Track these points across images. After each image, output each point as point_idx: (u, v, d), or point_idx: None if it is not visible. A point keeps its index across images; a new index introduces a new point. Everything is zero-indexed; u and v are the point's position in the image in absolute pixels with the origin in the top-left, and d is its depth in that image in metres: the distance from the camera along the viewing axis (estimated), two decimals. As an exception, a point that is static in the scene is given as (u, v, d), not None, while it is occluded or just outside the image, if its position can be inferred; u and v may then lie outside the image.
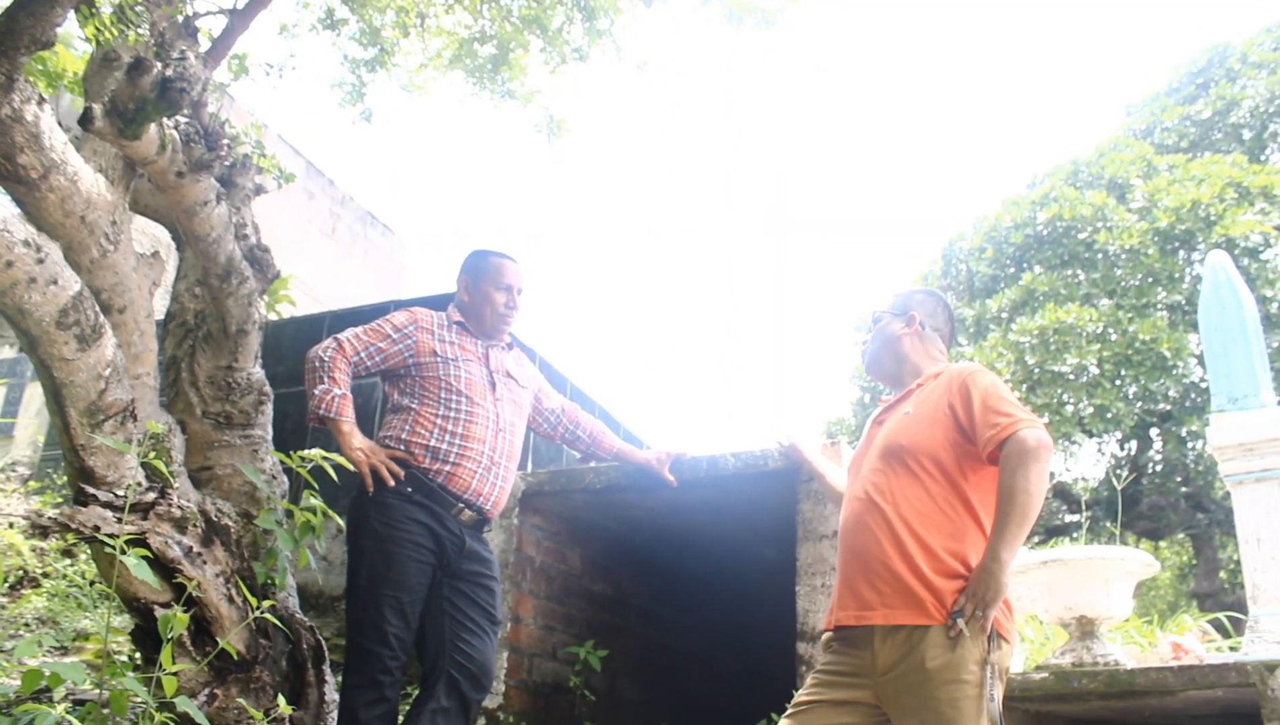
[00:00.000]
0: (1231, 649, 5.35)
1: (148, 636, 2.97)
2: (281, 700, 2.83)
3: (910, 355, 2.92)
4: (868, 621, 2.59)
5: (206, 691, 3.02)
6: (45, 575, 5.19)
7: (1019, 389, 12.92)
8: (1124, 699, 4.38)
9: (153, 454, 3.07)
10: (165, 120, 2.83)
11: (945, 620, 2.48)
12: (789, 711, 2.73)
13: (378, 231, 14.26)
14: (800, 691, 2.77)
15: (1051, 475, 16.05)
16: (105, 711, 2.87)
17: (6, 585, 4.86)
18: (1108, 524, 14.43)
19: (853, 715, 2.63)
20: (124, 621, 4.03)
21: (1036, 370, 12.81)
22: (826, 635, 2.79)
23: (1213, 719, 5.02)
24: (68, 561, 5.36)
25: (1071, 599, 4.49)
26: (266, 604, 2.94)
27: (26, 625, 4.64)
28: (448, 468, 3.28)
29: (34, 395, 8.50)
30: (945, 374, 2.78)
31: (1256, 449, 4.44)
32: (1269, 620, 4.23)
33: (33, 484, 6.95)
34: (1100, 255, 13.42)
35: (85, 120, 2.61)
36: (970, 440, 2.62)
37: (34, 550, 5.29)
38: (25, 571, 5.14)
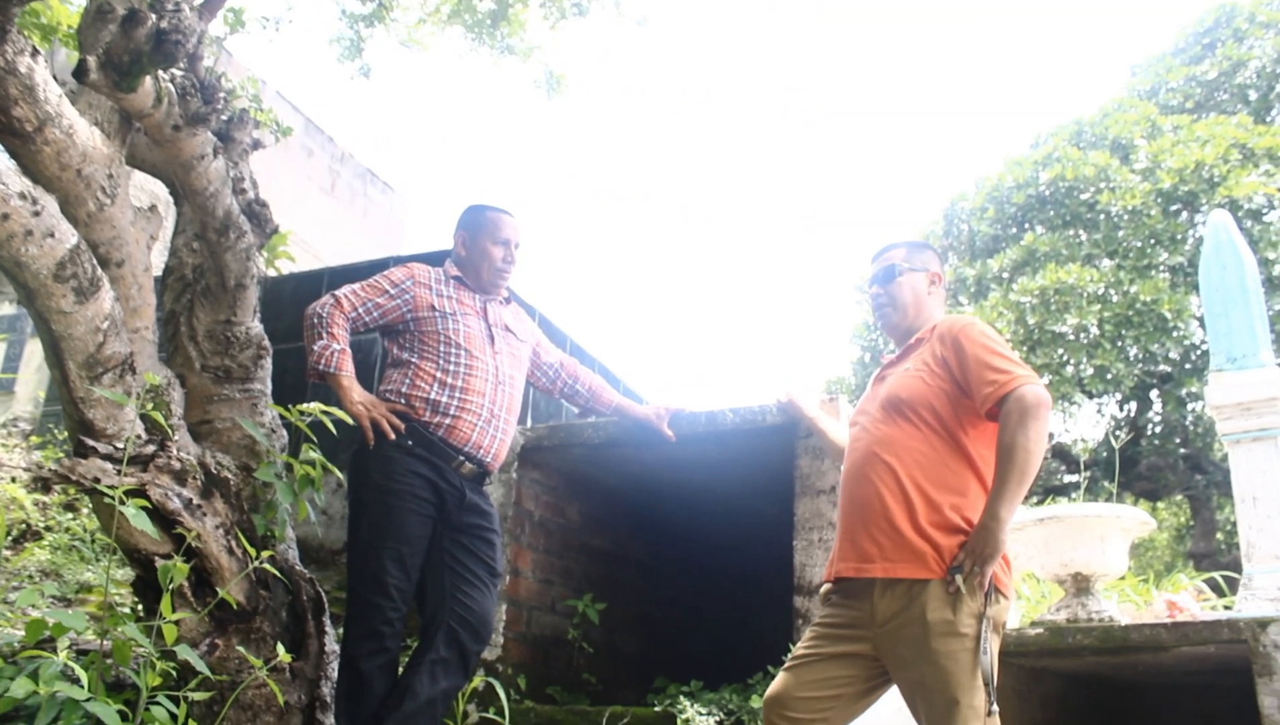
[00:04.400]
0: (1226, 608, 5.39)
1: (149, 587, 3.00)
2: (281, 649, 2.86)
3: (931, 312, 2.91)
4: (867, 574, 2.61)
5: (207, 641, 3.05)
6: (48, 529, 5.22)
7: (1020, 349, 12.92)
8: (1118, 655, 4.42)
9: (151, 407, 3.08)
10: (161, 73, 2.81)
11: (945, 575, 2.50)
12: (787, 664, 2.75)
13: (377, 188, 14.21)
14: (799, 644, 2.79)
15: (1051, 436, 16.12)
16: (108, 661, 2.91)
17: (9, 539, 4.90)
18: (1106, 484, 14.48)
19: (851, 667, 2.66)
20: (126, 573, 4.06)
21: (1037, 330, 12.80)
22: (825, 588, 2.80)
23: (1206, 674, 5.08)
24: (70, 515, 5.39)
25: (1068, 556, 4.52)
26: (266, 555, 2.96)
27: (30, 577, 4.67)
28: (448, 421, 3.29)
29: (34, 351, 8.51)
30: (939, 328, 2.77)
31: (1254, 408, 4.45)
32: (1262, 578, 4.27)
33: (34, 439, 6.97)
34: (1102, 216, 13.38)
35: (80, 73, 2.59)
36: (967, 394, 2.62)
37: (36, 504, 5.32)
38: (28, 525, 5.17)
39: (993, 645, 2.51)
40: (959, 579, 2.47)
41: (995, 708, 2.44)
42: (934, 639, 2.46)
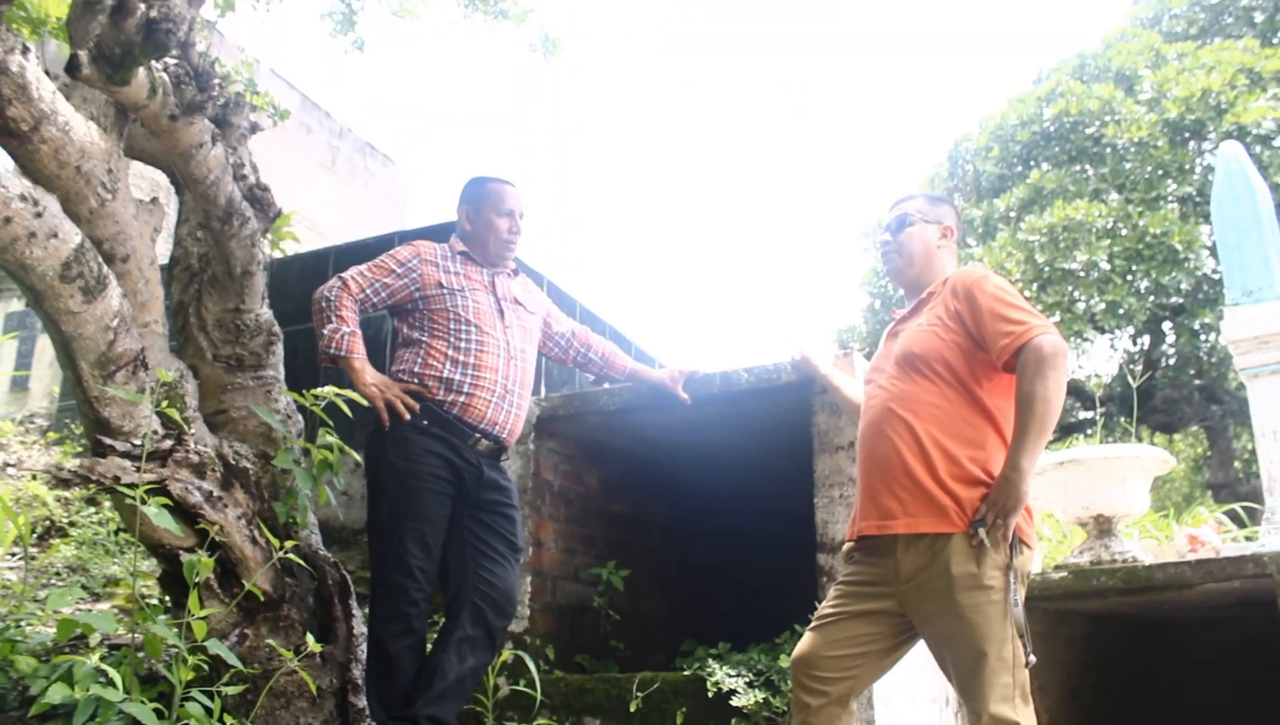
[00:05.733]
0: (1248, 539, 5.38)
1: (175, 581, 3.01)
2: (310, 638, 2.87)
3: (941, 266, 2.88)
4: (890, 530, 2.60)
5: (237, 632, 3.07)
6: (72, 524, 5.25)
7: (1029, 288, 12.85)
8: (1142, 594, 4.42)
9: (165, 403, 3.08)
10: (154, 63, 2.78)
11: (967, 528, 2.49)
12: (813, 624, 2.76)
13: (378, 162, 14.14)
14: (824, 603, 2.79)
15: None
16: (140, 655, 2.93)
17: (35, 536, 4.92)
18: (1122, 420, 14.45)
19: (877, 624, 2.66)
20: (151, 566, 4.08)
21: (1046, 268, 12.73)
22: (848, 546, 2.81)
23: (1230, 608, 5.08)
24: (93, 509, 5.42)
25: (1089, 498, 4.52)
26: (290, 544, 2.97)
27: (57, 574, 4.71)
28: (462, 398, 3.28)
29: (46, 347, 8.52)
30: (950, 281, 2.74)
31: (1272, 342, 4.42)
32: (1286, 511, 4.25)
33: (51, 435, 7.00)
34: (1109, 149, 13.24)
35: (72, 68, 2.56)
36: (981, 348, 2.60)
37: (59, 500, 5.35)
38: (52, 521, 5.20)
39: (1020, 596, 2.50)
40: (982, 532, 2.46)
41: (1032, 658, 2.44)
42: (959, 593, 2.46)
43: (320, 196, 12.70)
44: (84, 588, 4.59)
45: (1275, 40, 14.29)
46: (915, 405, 2.63)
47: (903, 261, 2.91)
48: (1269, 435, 4.42)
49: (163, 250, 3.83)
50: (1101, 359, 16.39)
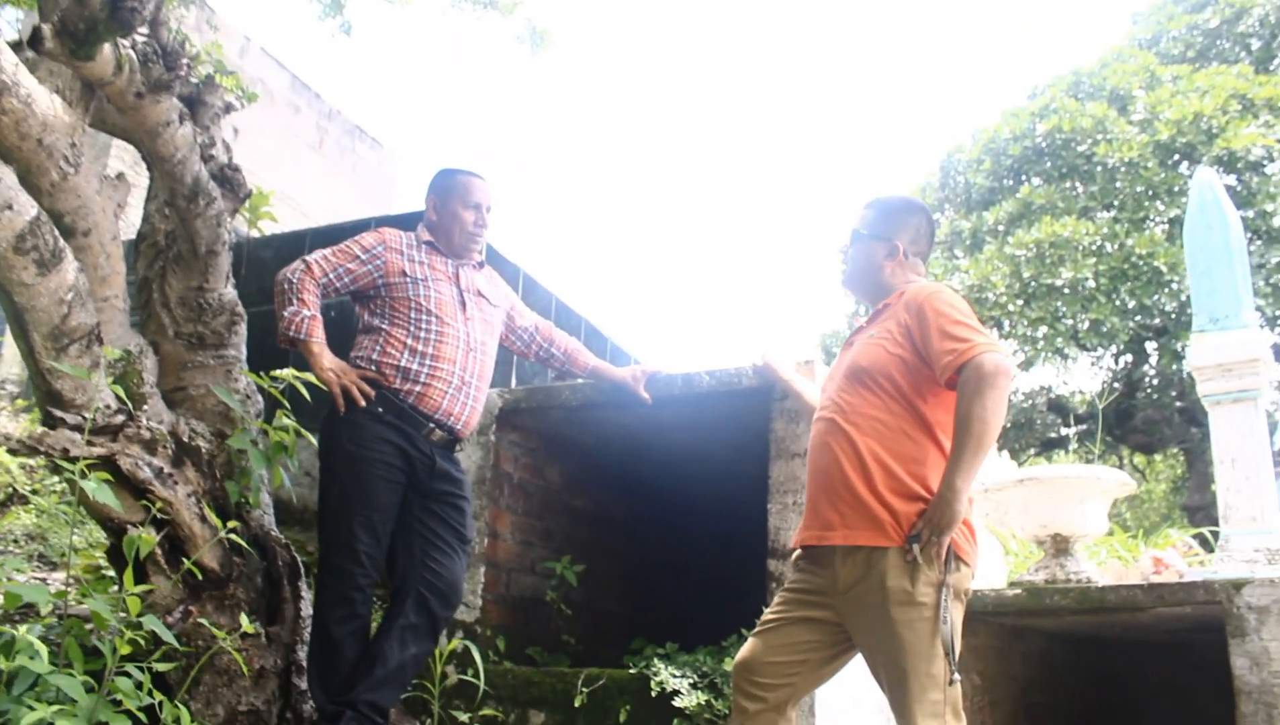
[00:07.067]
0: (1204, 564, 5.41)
1: (122, 555, 3.01)
2: (244, 618, 2.88)
3: (890, 282, 2.85)
4: (829, 541, 2.62)
5: (181, 609, 3.07)
6: (34, 492, 5.24)
7: (1014, 302, 12.89)
8: (1096, 614, 4.45)
9: (111, 380, 3.08)
10: (122, 40, 2.78)
11: (903, 543, 2.50)
12: (757, 629, 2.78)
13: (366, 145, 14.09)
14: (768, 609, 2.81)
15: (1049, 388, 16.04)
16: (89, 627, 2.93)
17: (-5, 502, 4.91)
18: (1103, 437, 14.52)
19: (817, 633, 2.68)
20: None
21: (1032, 283, 12.77)
22: (796, 554, 2.82)
23: (1186, 633, 5.12)
24: (56, 479, 5.41)
25: (1047, 517, 4.54)
26: (232, 524, 2.97)
27: (15, 541, 4.70)
28: (418, 388, 3.29)
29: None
30: (906, 295, 2.74)
31: (1235, 370, 4.44)
32: (1239, 539, 4.28)
33: (20, 402, 6.97)
34: (1099, 168, 13.29)
35: (35, 42, 2.56)
36: (927, 364, 2.61)
37: (23, 468, 5.34)
38: (14, 488, 5.19)
39: (954, 614, 2.51)
40: (916, 548, 2.48)
41: (957, 676, 2.45)
42: (893, 607, 2.48)
43: (307, 177, 12.65)
44: (41, 557, 4.58)
45: (1270, 67, 14.35)
46: (858, 418, 2.64)
47: (847, 277, 2.96)
48: (1228, 463, 4.43)
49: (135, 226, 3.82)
50: (1085, 377, 16.47)
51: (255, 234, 5.93)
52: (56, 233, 2.75)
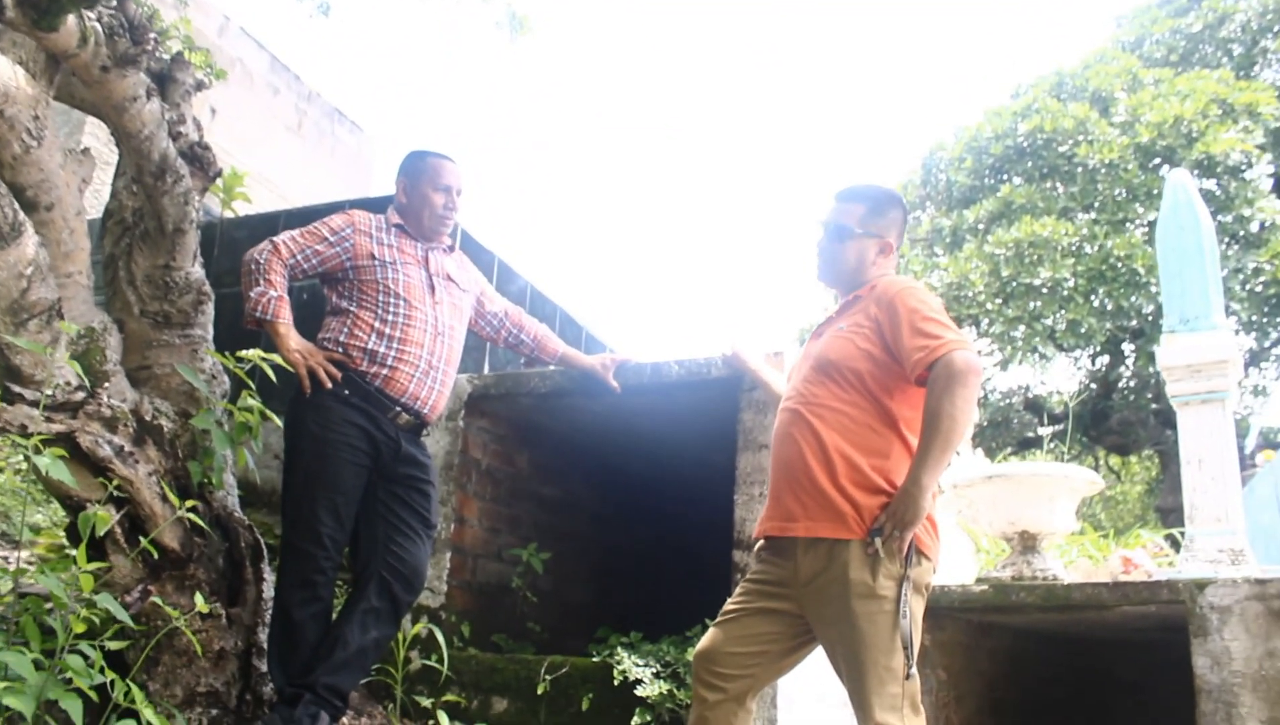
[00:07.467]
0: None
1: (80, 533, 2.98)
2: (199, 598, 2.85)
3: (869, 275, 2.81)
4: (790, 533, 2.62)
5: (140, 588, 3.05)
6: (-1, 469, 5.18)
7: (993, 301, 12.93)
8: (1062, 612, 4.46)
9: (72, 357, 3.04)
10: (87, 12, 2.74)
11: (865, 536, 2.50)
12: (718, 619, 2.77)
13: (345, 128, 14.01)
14: (730, 599, 2.81)
15: (1026, 388, 16.07)
16: (48, 606, 2.90)
17: (-43, 479, 4.85)
18: (1077, 437, 14.59)
19: (778, 624, 2.68)
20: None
21: (1011, 283, 12.81)
22: (759, 544, 2.82)
23: (1152, 632, 5.14)
24: (21, 457, 5.35)
25: (1015, 514, 4.55)
26: (191, 503, 2.94)
27: (-23, 518, 4.64)
28: (385, 371, 3.27)
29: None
30: (878, 288, 2.72)
31: (1204, 371, 4.46)
32: (1204, 539, 4.30)
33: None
34: (1080, 169, 13.33)
35: (-5, 9, 2.53)
36: (896, 359, 2.60)
37: (-12, 444, 5.28)
38: (-22, 465, 5.13)
39: (915, 608, 2.51)
40: (879, 542, 2.48)
41: (914, 671, 2.45)
42: (853, 600, 2.47)
43: (285, 159, 12.56)
44: (4, 535, 4.53)
45: (1252, 73, 14.42)
46: (822, 411, 2.63)
47: (832, 275, 2.88)
48: (1194, 463, 4.46)
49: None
50: (1063, 377, 16.53)
51: (229, 215, 5.88)
52: (16, 206, 2.71)
